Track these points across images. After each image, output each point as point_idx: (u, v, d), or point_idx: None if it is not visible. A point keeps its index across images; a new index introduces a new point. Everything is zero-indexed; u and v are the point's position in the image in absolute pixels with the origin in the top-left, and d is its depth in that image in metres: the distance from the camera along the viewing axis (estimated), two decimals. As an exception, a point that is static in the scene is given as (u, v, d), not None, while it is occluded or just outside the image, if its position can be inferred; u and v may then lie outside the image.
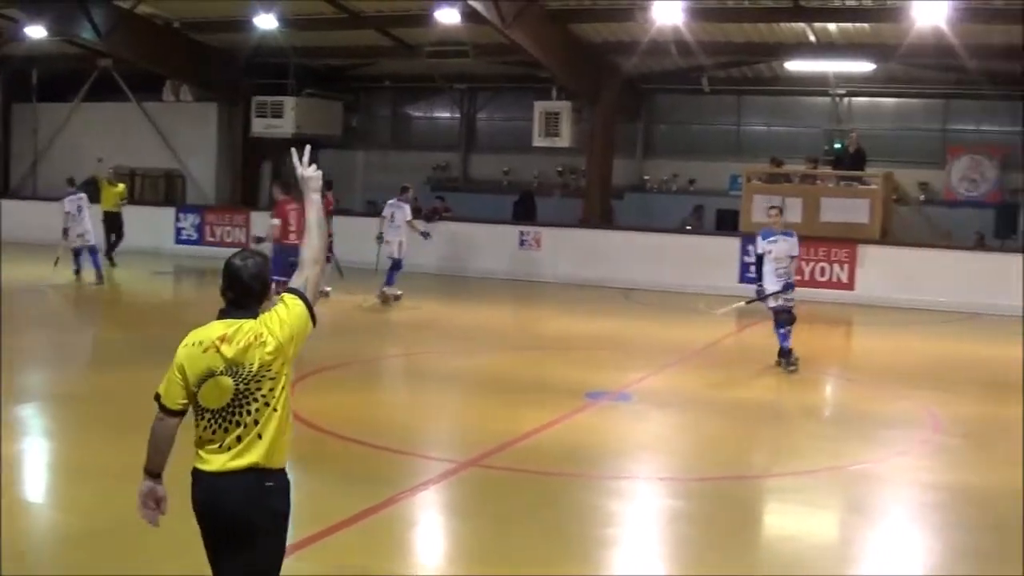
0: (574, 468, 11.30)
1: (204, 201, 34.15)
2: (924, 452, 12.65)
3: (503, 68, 31.49)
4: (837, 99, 31.08)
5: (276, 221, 18.49)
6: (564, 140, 30.20)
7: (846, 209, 26.43)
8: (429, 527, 9.66)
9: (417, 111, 37.33)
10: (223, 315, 5.50)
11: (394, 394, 15.56)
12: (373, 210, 31.88)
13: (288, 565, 7.90)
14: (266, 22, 28.45)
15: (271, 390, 5.41)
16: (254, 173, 34.24)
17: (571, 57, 29.14)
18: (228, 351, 5.35)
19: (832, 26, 27.05)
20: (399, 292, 23.15)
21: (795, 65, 29.13)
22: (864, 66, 28.40)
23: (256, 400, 5.39)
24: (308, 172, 5.96)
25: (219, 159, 34.74)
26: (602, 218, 30.58)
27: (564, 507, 10.00)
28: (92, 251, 24.74)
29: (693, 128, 33.21)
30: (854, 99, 31.34)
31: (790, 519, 10.20)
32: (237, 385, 5.35)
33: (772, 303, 16.69)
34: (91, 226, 24.93)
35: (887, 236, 26.83)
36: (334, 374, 15.31)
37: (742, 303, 17.95)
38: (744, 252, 26.39)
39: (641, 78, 31.28)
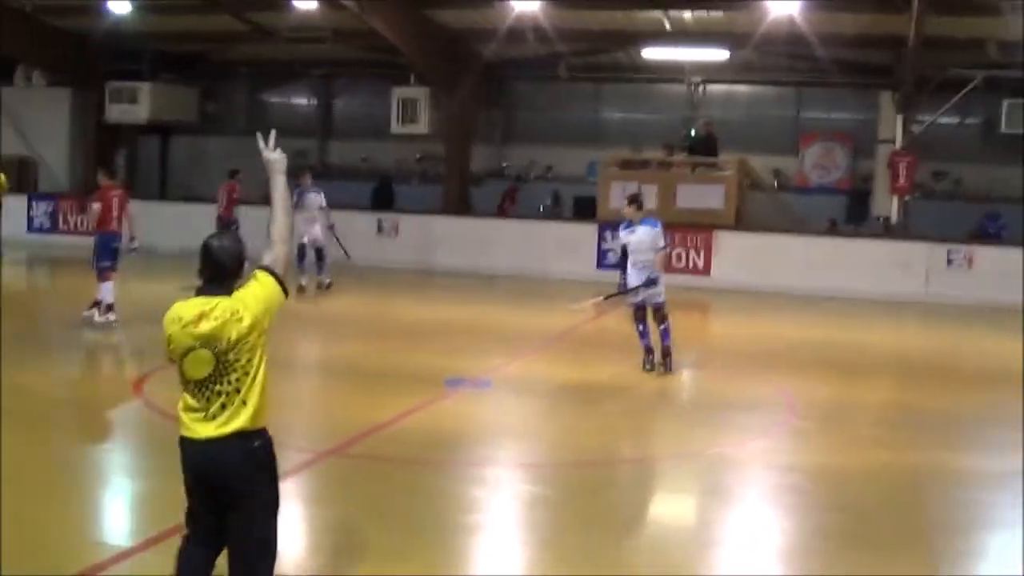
0: (434, 455, 11.29)
1: (58, 188, 33.45)
2: (780, 435, 12.86)
3: (361, 53, 31.23)
4: (693, 87, 31.38)
5: (97, 206, 18.35)
6: (422, 127, 30.16)
7: (701, 195, 26.71)
8: (289, 518, 9.52)
9: (274, 97, 36.89)
10: (200, 292, 5.99)
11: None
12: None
13: (142, 562, 7.83)
14: (120, 6, 27.93)
15: (249, 360, 5.92)
16: (109, 159, 33.56)
17: (429, 43, 29.03)
18: (205, 327, 5.84)
19: (688, 14, 27.28)
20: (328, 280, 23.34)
21: (652, 53, 29.36)
22: (719, 54, 28.72)
23: (236, 370, 5.89)
24: (272, 155, 6.52)
25: (73, 145, 34.01)
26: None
27: (424, 495, 9.99)
28: None
29: (552, 115, 33.22)
30: (709, 87, 31.64)
31: (650, 503, 10.33)
32: (217, 357, 5.85)
33: (633, 298, 15.64)
34: None
35: (742, 222, 27.19)
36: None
37: (600, 298, 16.38)
38: (601, 238, 26.62)
39: (500, 65, 31.23)
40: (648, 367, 15.71)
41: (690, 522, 9.96)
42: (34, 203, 32.11)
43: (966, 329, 21.93)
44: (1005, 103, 26.62)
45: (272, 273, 6.13)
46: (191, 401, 5.95)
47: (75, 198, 31.86)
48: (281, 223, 6.34)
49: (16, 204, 30.85)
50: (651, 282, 15.38)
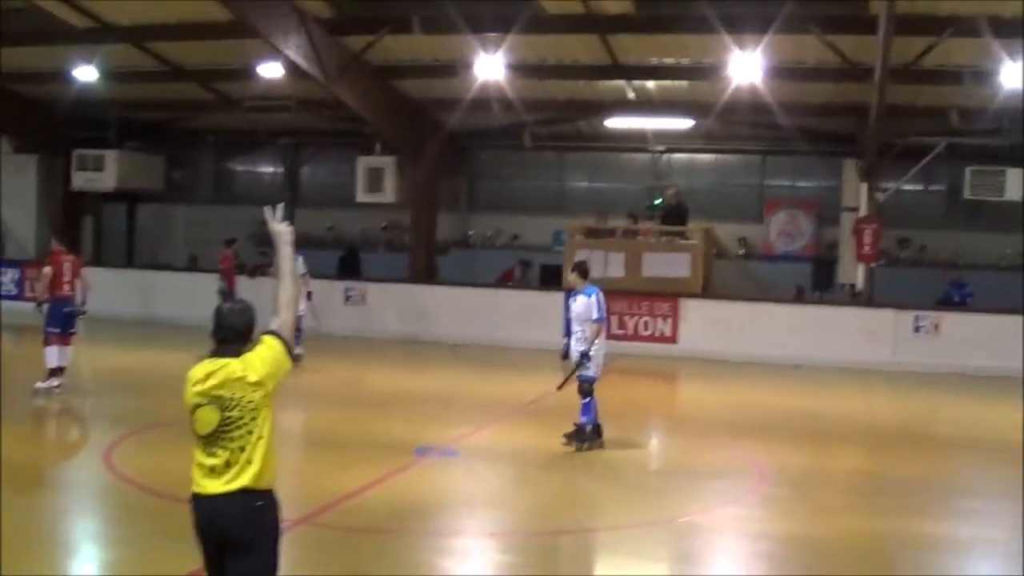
0: (403, 524, 11.20)
1: (24, 255, 33.23)
2: (751, 502, 12.81)
3: (327, 123, 31.25)
4: (657, 155, 31.54)
5: (48, 270, 18.59)
6: (388, 195, 30.13)
7: (667, 264, 26.73)
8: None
9: (240, 165, 36.84)
10: (212, 355, 6.32)
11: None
12: (195, 266, 31.53)
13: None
14: (87, 74, 27.89)
15: (253, 419, 6.23)
16: (75, 227, 33.46)
17: (394, 113, 29.14)
18: (211, 384, 6.18)
19: (651, 84, 27.50)
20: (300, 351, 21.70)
21: (616, 122, 29.53)
22: (683, 123, 28.92)
23: (240, 428, 6.20)
24: (279, 227, 6.85)
25: (39, 212, 33.84)
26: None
27: (393, 564, 9.92)
28: None
29: (516, 184, 33.36)
30: (674, 155, 31.83)
31: (621, 572, 10.22)
32: (222, 414, 6.17)
33: (580, 372, 15.08)
34: None
35: (708, 290, 27.22)
36: (153, 434, 15.00)
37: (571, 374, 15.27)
38: (567, 307, 26.60)
39: (465, 134, 31.31)
40: (578, 444, 14.99)
41: (663, 591, 9.90)
42: (1, 269, 31.82)
43: (934, 396, 21.98)
44: (968, 170, 26.80)
45: (279, 338, 6.45)
46: (201, 458, 6.26)
47: (41, 265, 31.60)
48: (288, 291, 6.67)
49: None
50: (583, 356, 14.84)
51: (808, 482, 14.01)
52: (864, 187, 26.79)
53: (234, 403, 6.20)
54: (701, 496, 13.11)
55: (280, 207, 6.96)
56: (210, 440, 6.23)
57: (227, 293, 23.67)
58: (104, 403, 17.98)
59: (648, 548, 11.03)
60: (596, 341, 14.93)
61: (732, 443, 16.12)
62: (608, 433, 15.54)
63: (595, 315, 14.89)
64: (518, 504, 12.81)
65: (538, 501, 12.86)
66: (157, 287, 29.96)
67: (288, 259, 6.83)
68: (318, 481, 12.96)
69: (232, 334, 6.40)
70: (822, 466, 15.26)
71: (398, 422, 17.00)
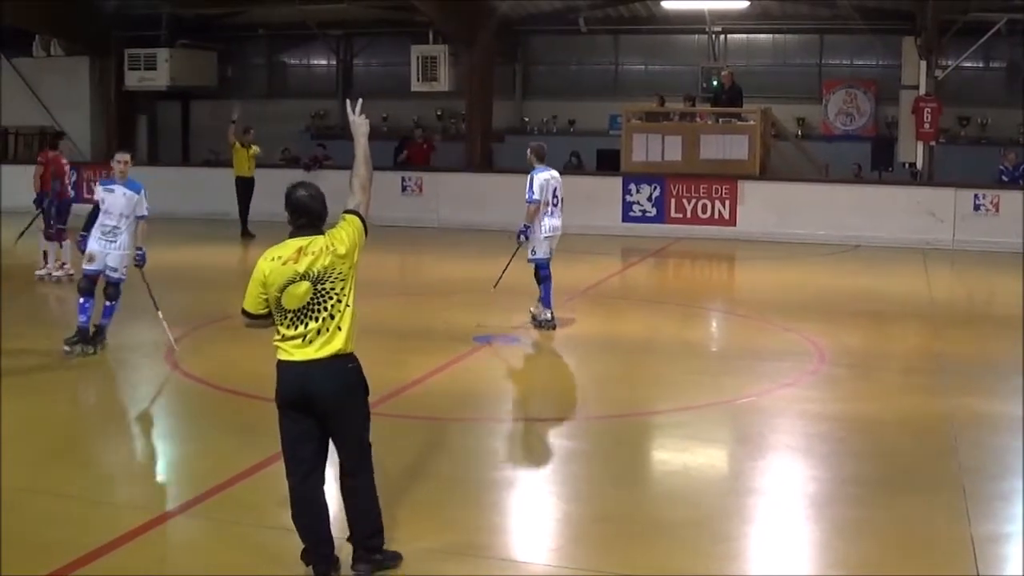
0: (465, 412, 11.30)
1: (80, 157, 33.32)
2: (810, 383, 12.81)
3: (379, 13, 31.10)
4: (713, 37, 31.18)
5: None
6: (442, 84, 30.00)
7: (725, 146, 26.53)
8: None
9: (293, 59, 36.72)
10: (295, 235, 6.91)
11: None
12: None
13: (189, 521, 7.87)
14: (135, -29, 27.85)
15: (342, 289, 6.89)
16: (129, 127, 33.56)
17: (447, 0, 28.93)
18: (305, 261, 6.77)
19: (707, -37, 27.13)
20: None
21: (670, 4, 29.18)
22: (739, 3, 28.53)
23: (331, 298, 6.84)
24: (357, 119, 7.41)
25: (93, 114, 33.90)
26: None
27: (457, 451, 10.02)
28: None
29: (571, 69, 33.12)
30: (730, 36, 31.45)
31: (681, 454, 10.27)
32: (314, 286, 6.78)
33: None
34: None
35: (766, 171, 27.02)
36: (213, 330, 15.15)
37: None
38: (626, 191, 26.55)
39: (518, 20, 31.08)
40: None
41: (724, 472, 9.94)
42: (57, 172, 31.99)
43: (993, 275, 21.80)
44: (1029, 46, 26.41)
45: (357, 215, 7.10)
46: (288, 331, 6.86)
47: (97, 166, 31.76)
48: (362, 175, 7.25)
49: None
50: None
51: (868, 362, 14.02)
52: (923, 65, 26.36)
53: (326, 275, 6.79)
54: (761, 377, 13.12)
55: (359, 101, 7.50)
56: (299, 313, 6.80)
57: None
58: (162, 301, 18.14)
59: (708, 429, 11.07)
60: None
61: (791, 324, 16.07)
62: (668, 316, 15.55)
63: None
64: (579, 389, 12.93)
65: (599, 385, 12.94)
66: (213, 184, 30.05)
67: (363, 147, 7.33)
68: (379, 370, 12.91)
69: (313, 215, 6.94)
70: (882, 346, 15.26)
71: (458, 310, 17.11)
